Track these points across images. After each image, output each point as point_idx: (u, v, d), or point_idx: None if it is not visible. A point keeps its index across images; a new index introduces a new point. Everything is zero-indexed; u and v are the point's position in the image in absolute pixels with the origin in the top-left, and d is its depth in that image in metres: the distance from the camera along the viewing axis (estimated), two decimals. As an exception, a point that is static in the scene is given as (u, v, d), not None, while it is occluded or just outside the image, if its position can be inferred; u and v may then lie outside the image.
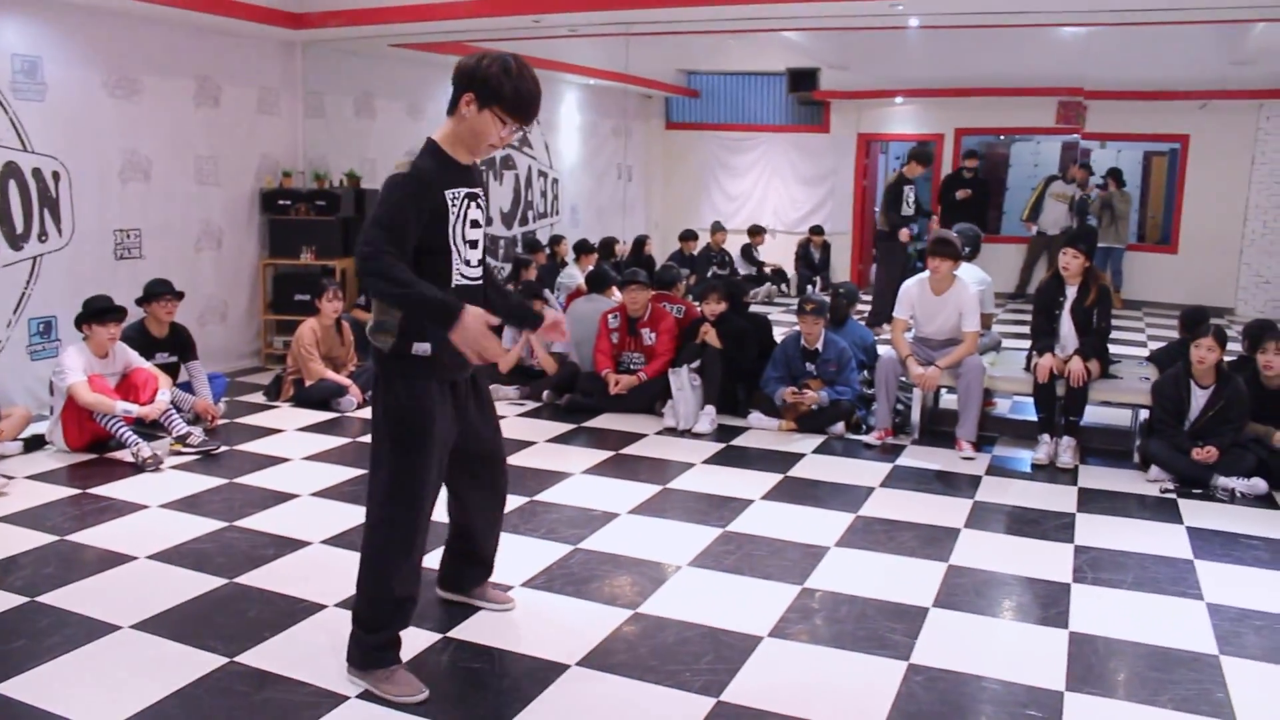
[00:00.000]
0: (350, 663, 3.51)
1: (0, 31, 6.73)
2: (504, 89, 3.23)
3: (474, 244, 3.43)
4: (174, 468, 5.95)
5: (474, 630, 3.92)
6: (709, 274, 12.99)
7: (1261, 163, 12.93)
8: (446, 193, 3.29)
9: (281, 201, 8.83)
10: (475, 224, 3.43)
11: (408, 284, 3.08)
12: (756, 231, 14.53)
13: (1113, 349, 7.20)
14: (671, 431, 7.01)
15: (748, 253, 14.37)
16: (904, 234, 10.90)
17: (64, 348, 6.38)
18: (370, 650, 3.46)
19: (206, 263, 8.47)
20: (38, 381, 6.89)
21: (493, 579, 4.22)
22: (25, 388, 6.89)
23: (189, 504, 5.34)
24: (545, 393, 7.80)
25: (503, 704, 3.39)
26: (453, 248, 3.35)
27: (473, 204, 3.40)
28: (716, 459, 6.40)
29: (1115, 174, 13.85)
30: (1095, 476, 6.15)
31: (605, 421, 7.27)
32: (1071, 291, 6.53)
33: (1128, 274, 13.85)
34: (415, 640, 3.76)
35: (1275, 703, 3.51)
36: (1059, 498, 5.74)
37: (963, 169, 13.22)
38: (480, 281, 3.52)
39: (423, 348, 3.33)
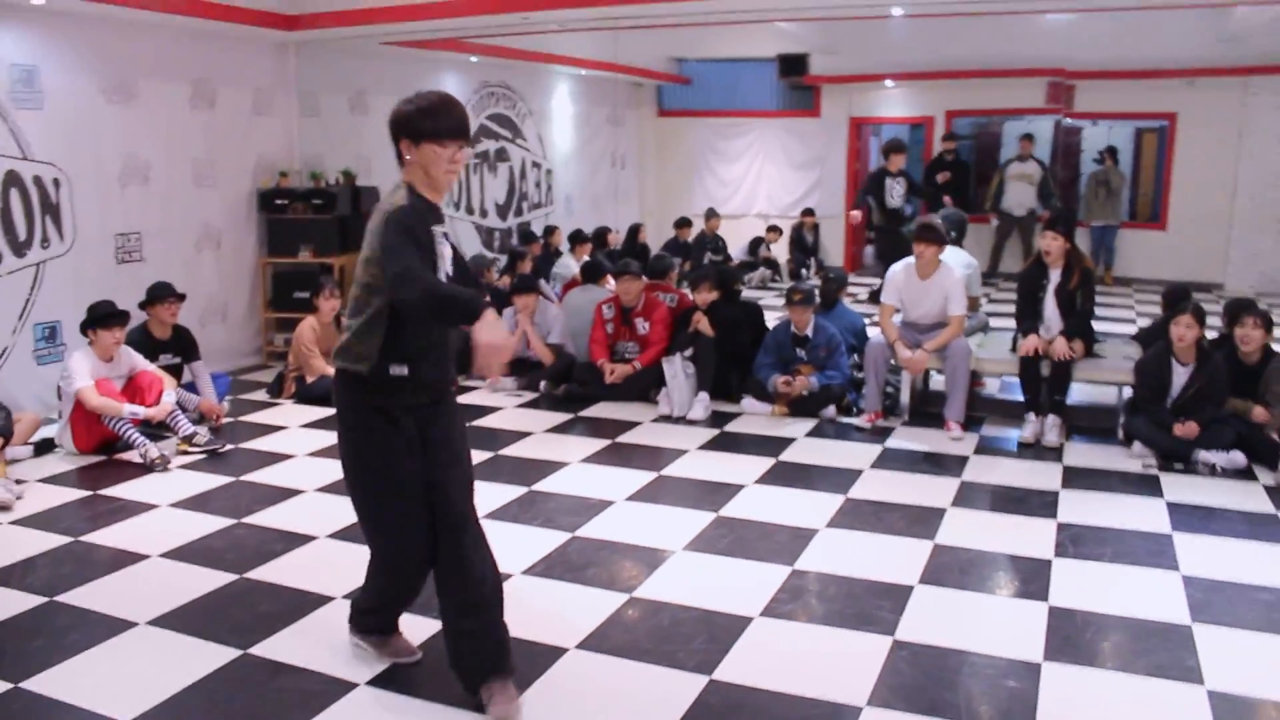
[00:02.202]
0: (351, 624, 3.80)
1: (-2, 42, 6.86)
2: (425, 123, 3.38)
3: (448, 276, 3.48)
4: (181, 467, 6.11)
5: (476, 617, 4.08)
6: (704, 259, 13.13)
7: (1249, 138, 13.02)
8: (433, 229, 3.43)
9: (279, 201, 8.95)
10: (443, 258, 3.49)
11: (440, 286, 3.24)
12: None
13: (1103, 327, 7.36)
14: (666, 419, 7.16)
15: (755, 247, 14.45)
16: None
17: (70, 353, 6.54)
18: (371, 620, 3.75)
19: (206, 263, 8.60)
20: (45, 386, 7.02)
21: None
22: (32, 393, 7.03)
23: (198, 502, 5.49)
24: (542, 383, 7.94)
25: (505, 687, 3.54)
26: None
27: (445, 240, 3.52)
28: (710, 445, 6.55)
29: (1112, 151, 13.96)
30: (1080, 454, 6.30)
31: (601, 410, 7.42)
32: (1055, 275, 6.65)
33: (1119, 251, 13.96)
34: (420, 629, 3.91)
35: (1241, 667, 3.67)
36: (1044, 475, 5.89)
37: (942, 153, 13.36)
38: None
39: (400, 370, 3.33)
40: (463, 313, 3.13)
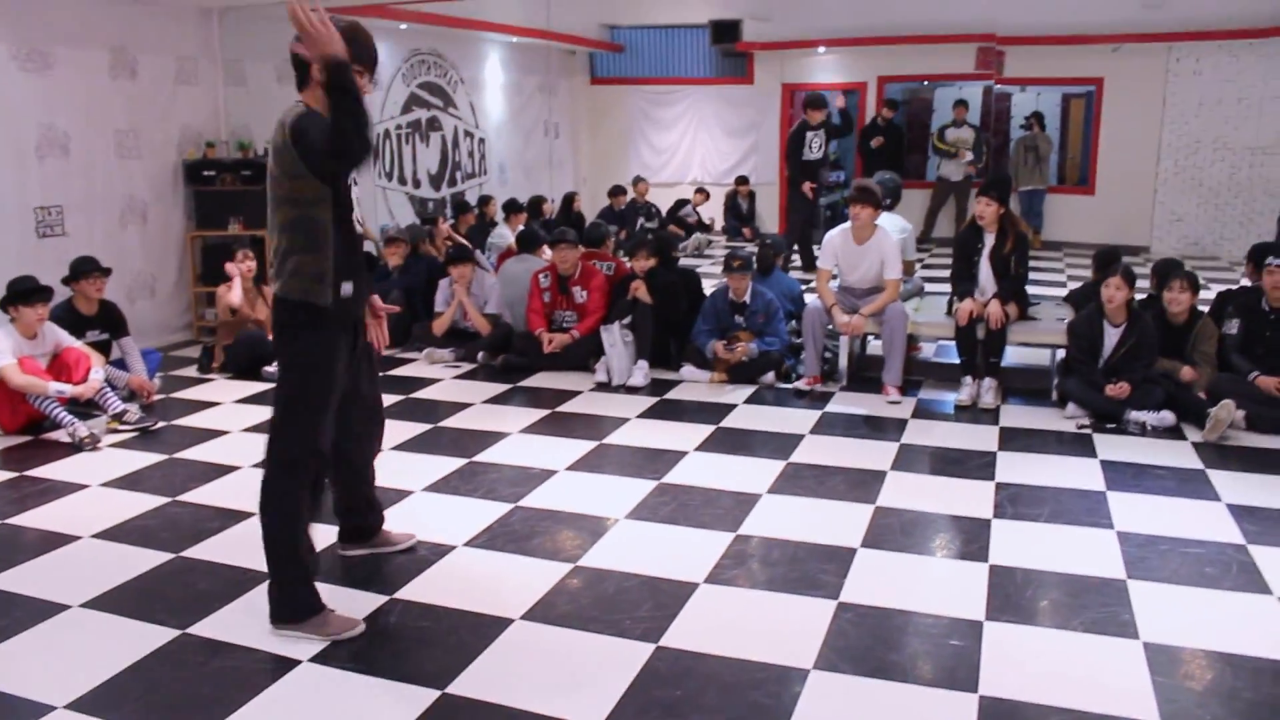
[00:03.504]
0: (279, 619, 3.68)
1: (-96, 8, 6.59)
2: (353, 50, 3.40)
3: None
4: (112, 446, 5.96)
5: (419, 591, 4.04)
6: (638, 226, 13.12)
7: (1172, 104, 13.29)
8: None
9: (206, 172, 8.74)
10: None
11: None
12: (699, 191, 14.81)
13: (1033, 290, 7.47)
14: (605, 387, 7.14)
15: (677, 209, 14.52)
16: (806, 186, 11.27)
17: (-10, 330, 6.33)
18: (301, 601, 3.67)
19: (132, 237, 8.38)
20: (-35, 364, 6.80)
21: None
22: (-48, 371, 6.81)
23: (130, 481, 5.36)
24: (480, 354, 7.87)
25: (451, 659, 3.51)
26: (350, 200, 3.65)
27: None
28: (650, 413, 6.55)
29: (1038, 117, 14.15)
30: (1016, 415, 6.40)
31: (540, 380, 7.38)
32: (990, 239, 6.72)
33: (1048, 215, 14.18)
34: (363, 603, 3.89)
35: (1174, 620, 3.76)
36: (981, 437, 5.98)
37: (877, 118, 13.43)
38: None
39: (348, 289, 3.61)
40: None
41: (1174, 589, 4.01)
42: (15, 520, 4.83)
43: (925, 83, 15.44)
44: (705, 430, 6.12)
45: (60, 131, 7.68)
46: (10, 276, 6.27)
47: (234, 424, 6.35)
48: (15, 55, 7.32)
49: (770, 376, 7.12)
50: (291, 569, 3.66)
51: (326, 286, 3.51)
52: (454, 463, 5.56)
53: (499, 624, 3.76)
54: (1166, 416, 6.03)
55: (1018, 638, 3.64)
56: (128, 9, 8.12)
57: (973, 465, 5.49)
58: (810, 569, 4.21)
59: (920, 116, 15.74)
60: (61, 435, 6.00)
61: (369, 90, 3.54)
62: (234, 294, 7.41)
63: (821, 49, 14.73)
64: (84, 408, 6.24)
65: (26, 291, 6.12)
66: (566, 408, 6.69)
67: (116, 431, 6.17)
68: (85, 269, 6.71)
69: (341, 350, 3.64)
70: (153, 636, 3.70)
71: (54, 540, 4.59)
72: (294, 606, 3.67)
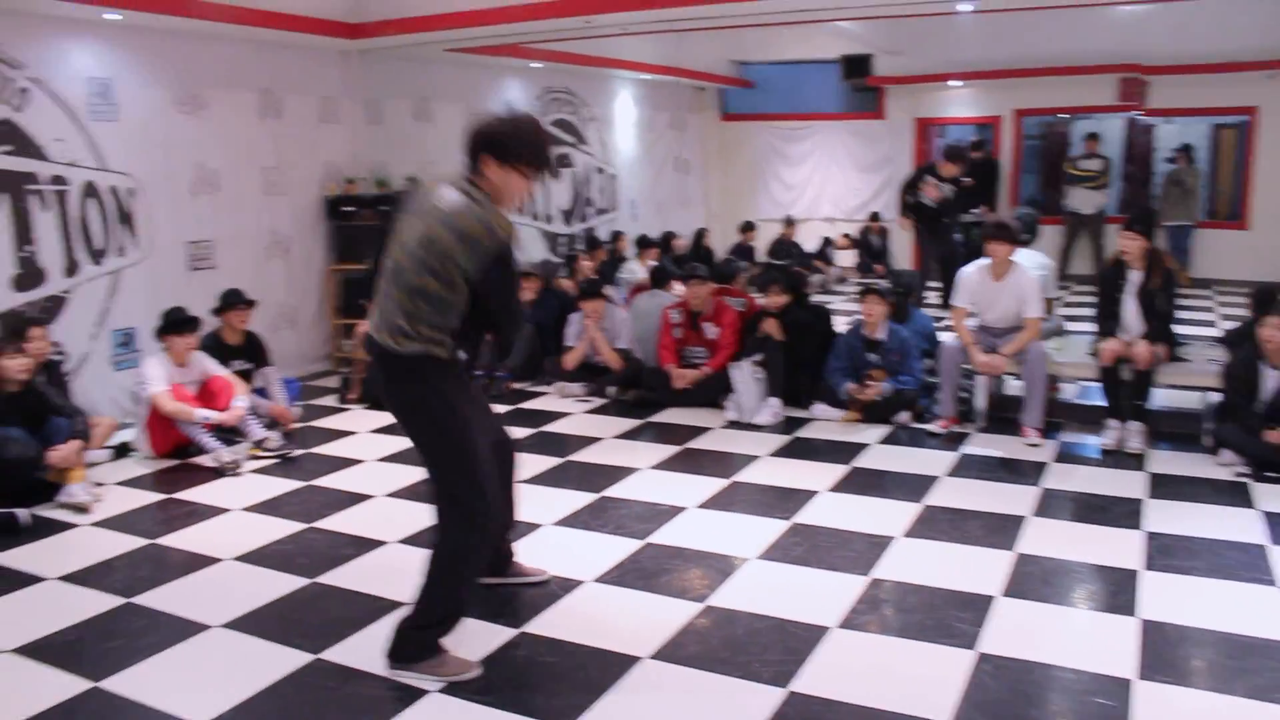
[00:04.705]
0: (398, 659, 3.64)
1: (75, 56, 6.99)
2: (520, 148, 3.46)
3: None
4: (253, 471, 6.15)
5: (548, 624, 4.03)
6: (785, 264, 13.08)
7: (1334, 133, 12.62)
8: None
9: (346, 208, 9.02)
10: None
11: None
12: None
13: (1182, 330, 7.13)
14: (736, 424, 7.07)
15: (823, 248, 14.45)
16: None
17: (145, 358, 6.63)
18: (431, 644, 3.63)
19: (276, 270, 8.69)
20: (121, 391, 7.14)
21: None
22: (109, 397, 7.15)
23: (269, 506, 5.52)
24: (610, 389, 7.90)
25: (577, 695, 3.49)
26: None
27: None
28: (782, 451, 6.45)
29: (1186, 149, 13.59)
30: (1165, 461, 6.10)
31: (670, 416, 7.35)
32: (1135, 275, 6.45)
33: (1197, 251, 13.59)
34: (491, 635, 3.90)
35: (1350, 686, 3.50)
36: (1127, 483, 5.71)
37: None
38: None
39: (463, 354, 3.68)
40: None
41: (1346, 652, 3.74)
42: (163, 540, 5.02)
43: (1064, 115, 15.00)
44: (838, 470, 6.00)
45: (211, 170, 8.03)
46: (165, 307, 6.56)
47: (369, 454, 6.48)
48: (175, 99, 7.70)
49: (904, 416, 6.95)
50: (443, 616, 3.64)
51: (446, 349, 3.51)
52: (584, 497, 5.57)
53: (626, 661, 3.72)
54: (1333, 466, 5.67)
55: (1171, 699, 3.43)
56: (275, 53, 8.46)
57: (1118, 513, 5.24)
58: (946, 616, 4.06)
59: (1060, 150, 15.29)
60: (206, 460, 6.22)
61: (532, 189, 3.62)
62: None
63: (955, 82, 14.47)
64: (228, 434, 6.46)
65: (178, 322, 6.40)
66: (696, 444, 6.64)
67: (257, 458, 6.36)
68: (232, 301, 6.97)
69: (467, 394, 3.67)
70: (288, 660, 3.77)
71: (198, 561, 4.75)
72: (420, 650, 3.64)
